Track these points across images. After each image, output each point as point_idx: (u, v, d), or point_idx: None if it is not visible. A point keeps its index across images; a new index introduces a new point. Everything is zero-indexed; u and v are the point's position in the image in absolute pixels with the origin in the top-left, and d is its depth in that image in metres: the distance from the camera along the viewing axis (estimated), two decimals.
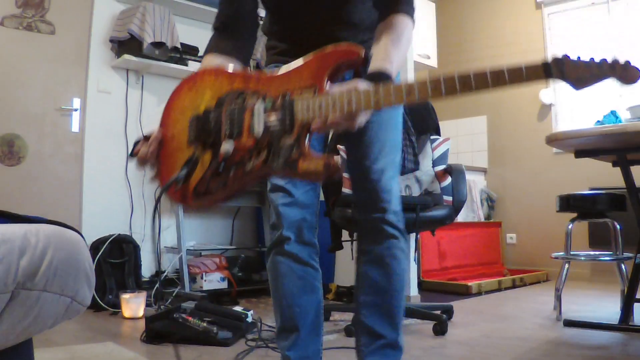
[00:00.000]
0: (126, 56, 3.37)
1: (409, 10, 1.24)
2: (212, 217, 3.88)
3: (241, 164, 1.03)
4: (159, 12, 3.42)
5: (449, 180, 2.66)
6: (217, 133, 1.06)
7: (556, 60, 0.87)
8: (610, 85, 0.86)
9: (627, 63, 0.85)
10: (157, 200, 1.11)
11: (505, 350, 2.10)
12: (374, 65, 1.13)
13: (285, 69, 1.06)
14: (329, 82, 1.01)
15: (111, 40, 3.50)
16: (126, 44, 3.40)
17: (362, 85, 0.99)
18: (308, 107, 0.98)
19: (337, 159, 0.96)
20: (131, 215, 3.49)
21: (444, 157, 2.76)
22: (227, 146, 1.03)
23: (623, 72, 0.85)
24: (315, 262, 1.39)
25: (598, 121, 3.05)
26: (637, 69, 0.85)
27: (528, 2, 4.89)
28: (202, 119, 1.08)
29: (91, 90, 3.46)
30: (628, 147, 2.35)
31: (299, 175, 0.98)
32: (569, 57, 0.87)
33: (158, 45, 3.43)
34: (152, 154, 1.12)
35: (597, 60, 0.86)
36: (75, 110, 3.41)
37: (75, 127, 3.41)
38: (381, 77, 1.08)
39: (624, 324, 2.40)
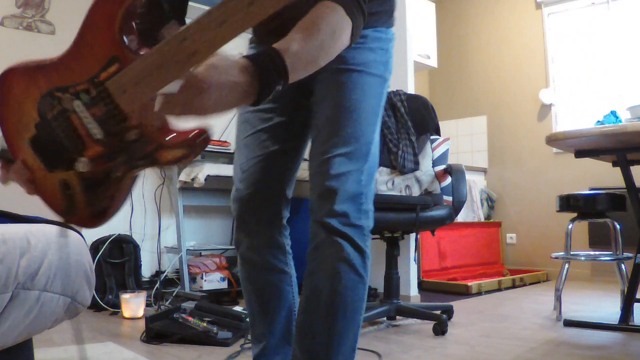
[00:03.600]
0: None
1: (347, 1, 0.92)
2: (212, 217, 3.88)
3: (108, 175, 0.82)
4: None
5: (449, 180, 2.66)
6: (63, 152, 0.83)
7: None
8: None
9: None
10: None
11: (505, 350, 2.10)
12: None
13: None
14: (126, 37, 0.75)
15: None
16: None
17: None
18: (125, 90, 0.74)
19: (206, 127, 0.75)
20: (131, 215, 3.49)
21: (444, 157, 2.76)
22: (82, 165, 0.82)
23: None
24: (282, 263, 1.25)
25: (598, 121, 3.04)
26: None
27: (528, 2, 4.89)
28: (42, 141, 0.84)
29: None
30: (628, 147, 2.35)
31: (166, 165, 0.79)
32: None
33: None
34: (27, 182, 0.89)
35: None
36: None
37: None
38: (266, 53, 0.80)
39: (624, 324, 2.40)
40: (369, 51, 1.12)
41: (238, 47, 3.47)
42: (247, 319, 2.31)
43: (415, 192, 2.69)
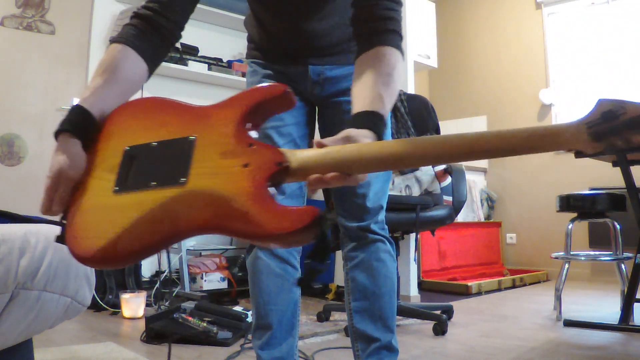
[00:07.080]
0: None
1: (399, 43, 1.04)
2: None
3: None
4: None
5: (449, 180, 2.66)
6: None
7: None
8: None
9: None
10: None
11: (505, 350, 2.10)
12: (362, 105, 0.92)
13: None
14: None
15: (111, 41, 3.50)
16: None
17: (355, 134, 0.79)
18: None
19: None
20: None
21: None
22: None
23: None
24: (295, 260, 1.35)
25: None
26: None
27: (528, 2, 4.89)
28: None
29: None
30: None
31: None
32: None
33: None
34: None
35: None
36: None
37: None
38: (374, 119, 0.88)
39: (624, 324, 2.40)
40: None
41: (237, 46, 3.48)
42: (247, 319, 2.32)
43: (415, 192, 2.69)
